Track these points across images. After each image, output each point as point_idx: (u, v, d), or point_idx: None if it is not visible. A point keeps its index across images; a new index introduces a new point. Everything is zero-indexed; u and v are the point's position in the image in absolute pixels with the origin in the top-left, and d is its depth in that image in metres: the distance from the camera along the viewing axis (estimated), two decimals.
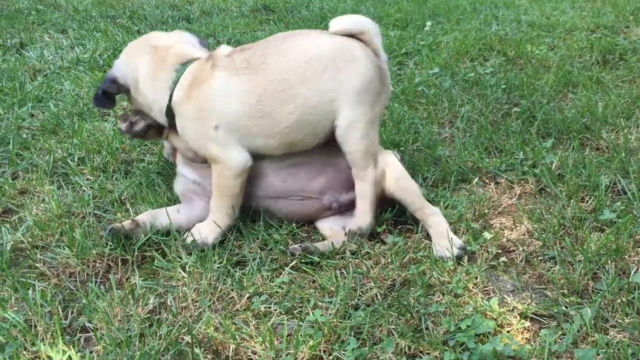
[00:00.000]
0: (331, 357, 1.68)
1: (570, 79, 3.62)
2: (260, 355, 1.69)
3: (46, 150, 2.95)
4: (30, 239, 2.24)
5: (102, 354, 1.70)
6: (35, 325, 1.81)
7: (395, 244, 2.13)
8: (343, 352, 1.69)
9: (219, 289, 1.95)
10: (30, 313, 1.85)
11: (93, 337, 1.79)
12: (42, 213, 2.40)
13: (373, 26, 2.29)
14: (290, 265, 2.06)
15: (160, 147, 2.81)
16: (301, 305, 1.89)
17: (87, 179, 2.69)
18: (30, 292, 1.94)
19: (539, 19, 5.05)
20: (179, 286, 1.98)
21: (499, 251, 2.13)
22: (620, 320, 1.77)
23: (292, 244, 2.17)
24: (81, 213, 2.41)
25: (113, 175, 2.70)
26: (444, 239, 2.10)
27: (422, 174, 2.57)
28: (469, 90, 3.54)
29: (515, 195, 2.47)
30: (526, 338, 1.75)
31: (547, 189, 2.49)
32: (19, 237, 2.25)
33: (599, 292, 1.88)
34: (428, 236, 2.19)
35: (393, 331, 1.76)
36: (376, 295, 1.92)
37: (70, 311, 1.90)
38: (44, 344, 1.72)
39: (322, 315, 1.81)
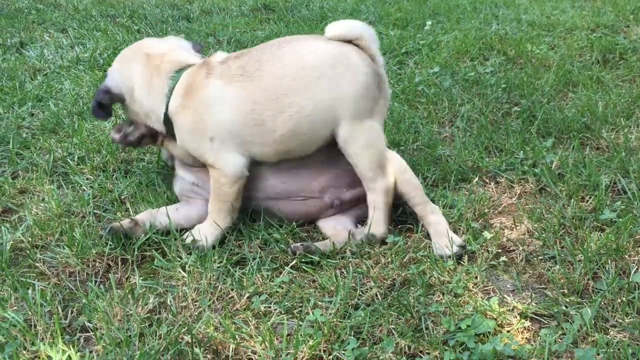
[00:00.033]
0: (331, 356, 1.68)
1: (571, 78, 3.61)
2: (260, 355, 1.69)
3: (46, 149, 2.95)
4: (30, 239, 2.24)
5: (102, 353, 1.70)
6: (35, 324, 1.81)
7: (395, 244, 2.13)
8: (343, 352, 1.69)
9: (219, 289, 1.95)
10: (30, 313, 1.85)
11: (93, 336, 1.78)
12: (42, 212, 2.40)
13: (369, 31, 2.24)
14: (291, 264, 2.06)
15: (159, 146, 2.81)
16: (301, 304, 1.89)
17: (87, 179, 2.69)
18: (30, 291, 1.94)
19: (539, 18, 5.04)
20: (178, 286, 1.98)
21: (499, 251, 2.13)
22: (620, 320, 1.77)
23: (292, 243, 2.16)
24: (81, 212, 2.41)
25: (113, 175, 2.70)
26: (443, 238, 2.10)
27: (422, 174, 2.57)
28: (469, 89, 3.54)
29: (515, 195, 2.47)
30: (526, 338, 1.75)
31: (547, 189, 2.49)
32: (19, 237, 2.25)
33: (599, 292, 1.88)
34: (428, 236, 2.18)
35: (393, 331, 1.76)
36: (376, 295, 1.92)
37: (70, 311, 1.90)
38: (44, 344, 1.71)
39: (322, 314, 1.81)
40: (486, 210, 2.34)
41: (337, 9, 5.44)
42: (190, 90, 2.17)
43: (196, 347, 1.70)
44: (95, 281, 2.03)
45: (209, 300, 1.91)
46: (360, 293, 1.93)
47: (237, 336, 1.74)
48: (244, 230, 2.26)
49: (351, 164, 2.19)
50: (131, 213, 2.39)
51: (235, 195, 2.19)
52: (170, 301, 1.90)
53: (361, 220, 2.35)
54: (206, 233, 2.18)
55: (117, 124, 2.75)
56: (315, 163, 2.27)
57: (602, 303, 1.82)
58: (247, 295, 1.93)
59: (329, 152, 2.26)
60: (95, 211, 2.42)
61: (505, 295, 1.92)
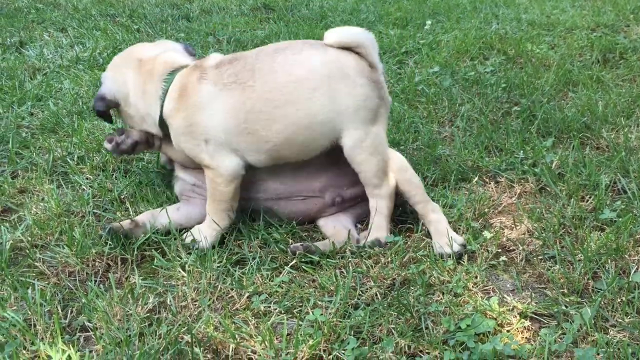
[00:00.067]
0: (331, 356, 1.68)
1: (571, 77, 3.61)
2: (260, 355, 1.69)
3: (46, 149, 2.95)
4: (29, 238, 2.24)
5: (102, 353, 1.70)
6: (34, 324, 1.81)
7: (395, 243, 2.13)
8: (343, 352, 1.69)
9: (219, 288, 1.95)
10: (29, 312, 1.85)
11: (92, 336, 1.78)
12: (42, 212, 2.39)
13: (370, 39, 2.17)
14: (290, 264, 2.06)
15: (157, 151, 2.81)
16: (301, 304, 1.89)
17: (87, 178, 2.69)
18: (29, 291, 1.94)
19: (539, 17, 5.04)
20: (178, 285, 1.98)
21: (499, 250, 2.13)
22: (620, 320, 1.77)
23: (292, 243, 2.16)
24: (81, 212, 2.41)
25: (112, 174, 2.70)
26: (444, 236, 2.10)
27: (422, 173, 2.56)
28: (469, 89, 3.54)
29: (515, 195, 2.47)
30: (526, 337, 1.75)
31: (547, 188, 2.49)
32: (19, 236, 2.25)
33: (599, 292, 1.88)
34: (428, 235, 2.18)
35: (393, 330, 1.76)
36: (376, 295, 1.92)
37: (69, 310, 1.90)
38: (44, 343, 1.71)
39: (321, 314, 1.81)
40: (486, 210, 2.34)
41: (337, 9, 5.43)
42: (183, 93, 2.15)
43: (196, 346, 1.70)
44: (95, 281, 2.03)
45: (209, 300, 1.90)
46: (360, 293, 1.93)
47: (237, 336, 1.74)
48: (244, 229, 2.26)
49: (357, 173, 2.18)
50: (131, 213, 2.39)
51: (232, 194, 2.18)
52: (170, 301, 1.90)
53: (361, 219, 2.35)
54: (205, 233, 2.18)
55: (115, 124, 2.75)
56: (316, 163, 2.26)
57: (602, 303, 1.82)
58: (247, 294, 1.93)
59: (330, 152, 2.26)
60: (94, 211, 2.42)
61: (505, 295, 1.92)
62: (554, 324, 1.79)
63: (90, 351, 1.72)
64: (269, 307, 1.89)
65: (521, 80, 3.55)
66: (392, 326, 1.77)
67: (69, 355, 1.68)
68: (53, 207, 2.40)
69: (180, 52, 2.36)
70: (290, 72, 2.09)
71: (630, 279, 1.89)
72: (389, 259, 2.07)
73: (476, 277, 1.98)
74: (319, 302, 1.89)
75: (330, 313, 1.82)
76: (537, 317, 1.82)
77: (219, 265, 2.06)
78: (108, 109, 2.36)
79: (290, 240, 2.21)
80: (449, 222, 2.20)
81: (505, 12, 5.26)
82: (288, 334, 1.76)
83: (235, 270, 2.04)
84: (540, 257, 2.08)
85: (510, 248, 2.15)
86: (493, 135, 2.91)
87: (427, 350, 1.70)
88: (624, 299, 1.82)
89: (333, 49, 2.13)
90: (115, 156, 2.68)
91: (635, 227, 2.14)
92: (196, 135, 2.13)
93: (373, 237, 2.16)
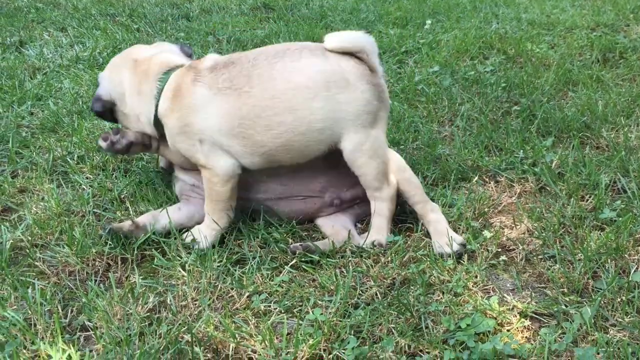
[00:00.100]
0: (331, 356, 1.68)
1: (571, 77, 3.61)
2: (260, 354, 1.69)
3: (46, 148, 2.95)
4: (29, 238, 2.24)
5: (102, 352, 1.70)
6: (34, 324, 1.81)
7: (395, 243, 2.13)
8: (343, 351, 1.69)
9: (219, 288, 1.95)
10: (29, 312, 1.85)
11: (93, 335, 1.78)
12: (42, 211, 2.40)
13: (371, 43, 2.14)
14: (290, 264, 2.06)
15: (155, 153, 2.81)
16: (301, 304, 1.89)
17: (87, 178, 2.69)
18: (29, 290, 1.94)
19: (539, 17, 5.04)
20: (178, 285, 1.98)
21: (499, 250, 2.13)
22: (620, 319, 1.77)
23: (292, 243, 2.16)
24: (81, 212, 2.41)
25: (112, 174, 2.70)
26: (443, 236, 2.10)
27: (422, 173, 2.56)
28: (469, 88, 3.54)
29: (515, 194, 2.47)
30: (526, 337, 1.75)
31: (547, 188, 2.49)
32: (19, 236, 2.25)
33: (599, 291, 1.88)
34: (428, 235, 2.18)
35: (393, 330, 1.76)
36: (376, 294, 1.92)
37: (69, 310, 1.90)
38: (44, 343, 1.71)
39: (322, 314, 1.81)
40: (486, 210, 2.34)
41: (337, 8, 5.43)
42: (177, 93, 2.15)
43: (196, 346, 1.70)
44: (95, 280, 2.03)
45: (209, 300, 1.90)
46: (360, 292, 1.93)
47: (237, 335, 1.74)
48: (244, 229, 2.26)
49: (358, 177, 2.17)
50: (131, 212, 2.39)
51: (229, 194, 2.18)
52: (170, 300, 1.90)
53: (360, 219, 2.35)
54: (205, 232, 2.18)
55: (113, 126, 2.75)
56: (316, 164, 2.26)
57: (602, 302, 1.82)
58: (247, 294, 1.93)
59: (330, 154, 2.25)
60: (95, 210, 2.42)
61: (505, 295, 1.92)
62: (554, 324, 1.79)
63: (91, 350, 1.73)
64: (269, 306, 1.89)
65: (521, 80, 3.55)
66: (392, 325, 1.77)
67: (69, 355, 1.68)
68: (53, 207, 2.40)
69: (176, 53, 2.37)
70: (289, 79, 2.07)
71: (630, 279, 1.90)
72: (389, 258, 2.07)
73: (476, 277, 1.98)
74: (319, 302, 1.89)
75: (330, 312, 1.82)
76: (537, 316, 1.83)
77: (219, 264, 2.06)
78: (106, 109, 2.37)
79: (290, 240, 2.21)
80: (449, 222, 2.20)
81: (505, 12, 5.26)
82: (288, 334, 1.76)
83: (235, 270, 2.04)
84: (540, 257, 2.08)
85: (510, 247, 2.15)
86: (493, 134, 2.91)
87: (427, 350, 1.70)
88: (623, 298, 1.83)
89: (333, 55, 2.10)
90: (110, 155, 2.68)
91: (635, 227, 2.14)
92: (191, 136, 2.13)
93: (373, 238, 2.16)
